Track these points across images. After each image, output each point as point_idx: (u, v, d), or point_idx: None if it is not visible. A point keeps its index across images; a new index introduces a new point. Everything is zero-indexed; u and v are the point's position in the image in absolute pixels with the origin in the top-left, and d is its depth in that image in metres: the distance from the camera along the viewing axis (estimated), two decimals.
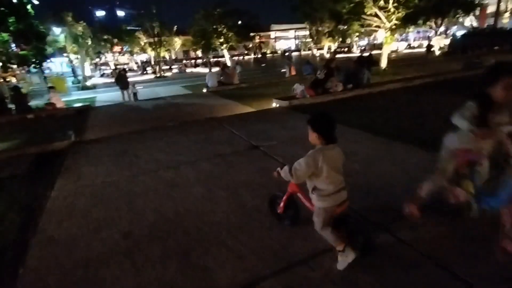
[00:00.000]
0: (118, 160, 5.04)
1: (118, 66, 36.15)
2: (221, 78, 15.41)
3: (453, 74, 11.88)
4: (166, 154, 5.09)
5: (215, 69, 18.59)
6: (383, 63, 16.60)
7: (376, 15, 15.16)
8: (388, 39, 16.01)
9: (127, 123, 8.56)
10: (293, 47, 79.08)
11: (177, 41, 37.75)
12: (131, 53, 46.40)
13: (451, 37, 35.97)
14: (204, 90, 14.70)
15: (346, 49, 47.72)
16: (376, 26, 16.08)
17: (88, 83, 24.54)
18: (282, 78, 17.36)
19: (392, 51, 33.78)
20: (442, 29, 41.49)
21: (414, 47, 46.55)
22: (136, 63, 47.58)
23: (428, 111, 6.72)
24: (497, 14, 41.88)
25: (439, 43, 32.85)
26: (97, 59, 39.44)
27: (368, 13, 15.01)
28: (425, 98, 8.17)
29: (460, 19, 38.50)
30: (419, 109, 6.99)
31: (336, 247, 2.17)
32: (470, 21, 42.71)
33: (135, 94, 14.50)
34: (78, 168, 4.83)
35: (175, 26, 37.15)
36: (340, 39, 38.99)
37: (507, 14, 40.07)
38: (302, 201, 2.49)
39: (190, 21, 33.17)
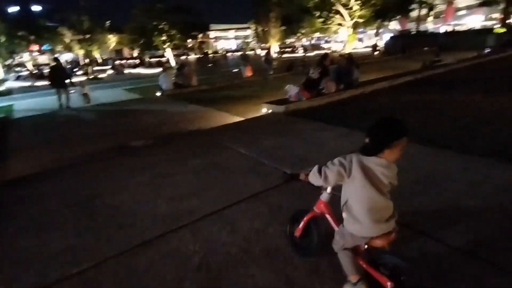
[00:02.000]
0: (83, 220, 3.02)
1: (51, 63, 30.63)
2: (178, 79, 13.36)
3: (425, 72, 11.72)
4: (162, 199, 3.24)
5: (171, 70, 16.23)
6: None
7: (339, 12, 14.65)
8: (350, 37, 15.63)
9: (71, 142, 6.24)
10: (233, 47, 78.33)
11: (112, 39, 33.56)
12: (53, 52, 40.18)
13: (389, 38, 38.64)
14: (158, 94, 12.48)
15: (290, 49, 47.99)
16: (338, 24, 15.60)
17: (1, 87, 19.88)
18: (242, 79, 15.91)
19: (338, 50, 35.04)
20: (374, 31, 44.43)
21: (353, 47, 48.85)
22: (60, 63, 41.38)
23: (452, 112, 5.90)
24: (419, 19, 46.37)
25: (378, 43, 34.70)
26: (11, 60, 32.97)
27: (333, 9, 14.39)
28: (428, 96, 7.47)
29: (386, 23, 41.52)
30: (438, 110, 6.16)
31: (349, 276, 1.73)
32: (393, 24, 46.58)
33: (86, 96, 11.53)
34: None
35: (108, 22, 32.99)
36: (286, 40, 39.17)
37: (430, 19, 44.39)
38: (331, 225, 1.92)
39: (126, 17, 29.66)
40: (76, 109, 10.29)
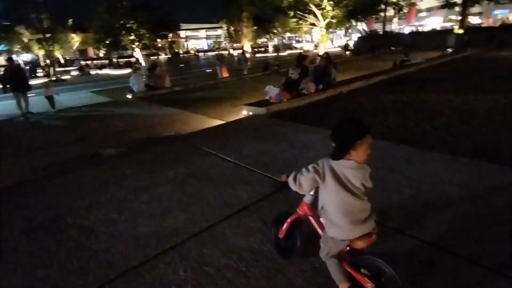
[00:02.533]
0: (49, 247, 2.62)
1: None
2: (149, 81, 12.77)
3: (397, 72, 12.03)
4: (142, 217, 2.90)
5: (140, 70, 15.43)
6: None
7: (312, 12, 14.71)
8: (324, 37, 15.75)
9: (33, 152, 5.64)
10: (205, 47, 77.33)
11: (75, 38, 31.73)
12: (10, 52, 37.35)
13: (357, 38, 39.83)
14: (129, 96, 11.84)
15: (263, 49, 48.01)
16: (312, 24, 15.67)
17: None
18: (217, 79, 15.55)
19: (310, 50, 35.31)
20: (343, 31, 45.63)
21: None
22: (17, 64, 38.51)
23: (429, 112, 5.99)
24: (385, 20, 48.20)
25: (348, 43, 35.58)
26: None
27: (306, 9, 14.41)
28: (404, 96, 7.58)
29: (354, 23, 42.83)
30: (417, 110, 6.23)
31: (338, 284, 1.71)
32: (361, 25, 48.14)
33: (50, 99, 10.30)
34: None
35: (70, 20, 31.15)
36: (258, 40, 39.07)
37: (395, 19, 46.24)
38: (315, 227, 1.92)
39: (90, 15, 28.11)
40: (39, 114, 9.45)
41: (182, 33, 78.73)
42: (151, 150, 4.74)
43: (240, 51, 34.65)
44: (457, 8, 37.01)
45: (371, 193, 1.67)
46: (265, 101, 7.10)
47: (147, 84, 12.57)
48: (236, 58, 23.25)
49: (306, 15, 14.94)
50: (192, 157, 4.27)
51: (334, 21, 14.82)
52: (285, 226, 2.13)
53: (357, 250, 1.70)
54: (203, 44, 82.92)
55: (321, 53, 16.36)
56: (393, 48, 33.59)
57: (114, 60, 34.35)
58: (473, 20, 49.54)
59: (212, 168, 3.88)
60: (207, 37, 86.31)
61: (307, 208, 1.98)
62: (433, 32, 41.76)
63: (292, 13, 14.71)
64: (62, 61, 37.68)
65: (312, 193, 1.91)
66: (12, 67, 9.60)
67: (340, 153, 1.58)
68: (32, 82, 23.01)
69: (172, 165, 4.03)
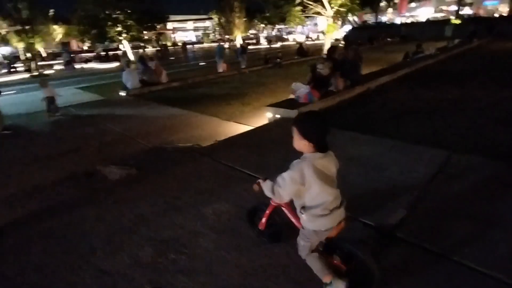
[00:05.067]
0: None
1: None
2: (144, 76, 11.50)
3: (417, 64, 11.11)
4: None
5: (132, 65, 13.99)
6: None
7: (319, 0, 13.62)
8: (330, 27, 14.69)
9: (7, 172, 4.44)
10: (193, 39, 75.33)
11: (57, 30, 29.63)
12: None
13: (350, 30, 39.00)
14: (122, 94, 10.57)
15: (254, 40, 46.54)
16: (317, 13, 14.58)
17: None
18: (216, 74, 14.36)
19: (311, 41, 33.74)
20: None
21: (313, 40, 48.22)
22: None
23: (494, 112, 5.07)
24: (377, 10, 47.50)
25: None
26: None
27: None
28: (446, 93, 6.67)
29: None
30: (476, 111, 5.30)
31: (322, 278, 1.72)
32: (351, 16, 47.38)
33: (51, 102, 7.87)
34: None
35: (52, 11, 29.01)
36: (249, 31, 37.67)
37: (390, 10, 45.57)
38: (288, 216, 1.96)
39: (72, 6, 26.10)
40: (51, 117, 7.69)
41: (169, 25, 76.34)
42: (169, 172, 3.61)
43: (236, 43, 33.28)
44: None
45: None
46: (290, 101, 6.03)
47: (142, 79, 11.32)
48: (235, 49, 21.90)
49: (312, 3, 13.79)
50: (229, 184, 3.18)
51: (342, 9, 13.69)
52: (264, 219, 2.16)
53: (329, 238, 1.74)
54: (191, 36, 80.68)
55: (327, 45, 15.33)
56: (389, 39, 32.97)
57: (103, 53, 32.34)
58: (464, 10, 49.45)
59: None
60: (195, 29, 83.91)
61: None
62: (429, 22, 41.17)
63: (298, 1, 13.55)
64: (44, 54, 35.42)
65: None
66: None
67: (313, 146, 1.62)
68: (10, 78, 21.36)
69: (206, 198, 2.94)
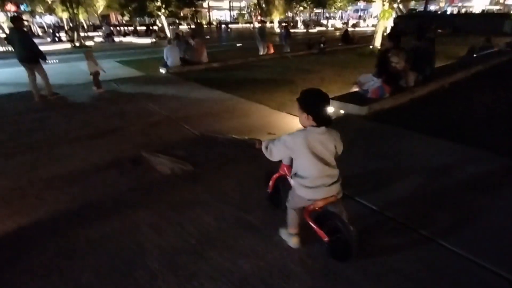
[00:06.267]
0: None
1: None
2: (185, 54, 11.07)
3: (490, 61, 9.80)
4: None
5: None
6: (377, 42, 14.09)
7: None
8: (386, 12, 13.42)
9: (40, 149, 4.13)
10: (228, 19, 74.12)
11: (99, 1, 29.83)
12: (32, 14, 35.89)
13: (394, 18, 36.25)
14: (163, 71, 10.26)
15: (291, 24, 44.74)
16: None
17: None
18: (257, 57, 13.68)
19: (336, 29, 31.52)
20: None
21: (352, 26, 45.53)
22: (41, 27, 37.03)
23: None
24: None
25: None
26: None
27: None
28: None
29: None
30: None
31: (289, 228, 2.06)
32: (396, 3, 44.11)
33: (95, 76, 7.55)
34: None
35: None
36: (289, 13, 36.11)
37: None
38: (291, 185, 2.04)
39: None
40: (97, 91, 7.48)
41: (205, 3, 75.42)
42: (230, 173, 3.04)
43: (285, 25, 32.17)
44: None
45: None
46: (355, 95, 5.30)
47: (183, 57, 10.90)
48: (279, 32, 20.91)
49: None
50: None
51: None
52: (270, 183, 2.41)
53: (320, 208, 1.88)
54: (226, 16, 79.37)
55: (379, 32, 14.09)
56: (440, 30, 30.28)
57: (143, 27, 32.26)
58: None
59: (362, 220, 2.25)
60: (231, 8, 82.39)
61: (286, 168, 2.20)
62: (484, 15, 37.49)
63: None
64: (85, 26, 36.04)
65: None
66: (17, 29, 6.47)
67: (314, 121, 1.72)
68: (54, 47, 21.76)
69: (282, 218, 2.40)
